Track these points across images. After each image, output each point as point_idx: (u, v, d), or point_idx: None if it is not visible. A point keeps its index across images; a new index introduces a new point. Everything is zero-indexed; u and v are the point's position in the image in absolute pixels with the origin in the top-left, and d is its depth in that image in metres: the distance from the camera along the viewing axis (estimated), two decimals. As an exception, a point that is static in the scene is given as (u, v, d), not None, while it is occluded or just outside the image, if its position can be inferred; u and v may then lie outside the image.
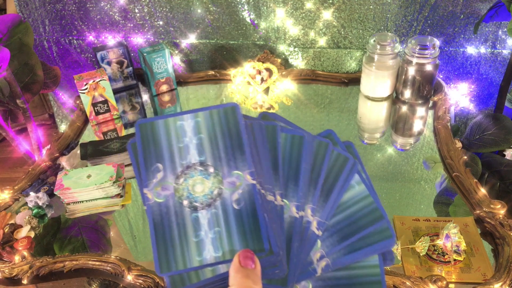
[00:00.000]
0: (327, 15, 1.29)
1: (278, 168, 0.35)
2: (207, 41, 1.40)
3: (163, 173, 0.34)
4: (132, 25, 1.40)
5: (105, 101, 1.19)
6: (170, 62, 1.28)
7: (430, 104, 1.20)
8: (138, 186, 0.36)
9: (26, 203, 0.93)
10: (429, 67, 1.13)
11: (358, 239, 0.34)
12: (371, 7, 1.25)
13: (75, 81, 1.14)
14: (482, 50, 1.26)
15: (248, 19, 1.34)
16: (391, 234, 0.34)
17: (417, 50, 1.11)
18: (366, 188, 0.37)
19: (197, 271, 0.33)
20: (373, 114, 1.25)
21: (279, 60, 1.36)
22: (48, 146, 1.10)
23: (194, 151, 0.34)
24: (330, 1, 1.26)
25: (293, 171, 0.35)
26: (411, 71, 1.14)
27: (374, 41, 1.15)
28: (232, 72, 1.36)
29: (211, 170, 0.34)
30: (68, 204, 0.93)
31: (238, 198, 0.33)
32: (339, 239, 0.34)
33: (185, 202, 0.34)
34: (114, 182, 0.90)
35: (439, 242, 0.78)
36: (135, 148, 0.35)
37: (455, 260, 0.77)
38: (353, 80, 1.33)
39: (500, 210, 0.83)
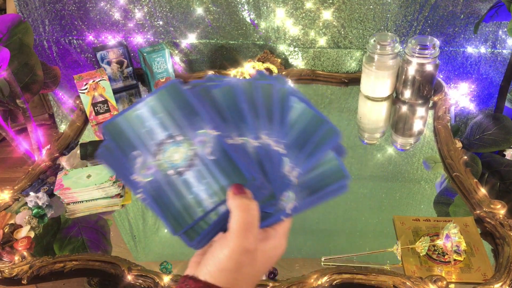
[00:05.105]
0: (327, 15, 1.29)
1: (225, 117, 0.41)
2: (207, 41, 1.40)
3: (142, 158, 0.39)
4: (132, 25, 1.39)
5: (105, 101, 1.19)
6: (170, 62, 1.28)
7: (430, 104, 1.20)
8: (123, 181, 0.40)
9: (26, 203, 0.93)
10: (429, 67, 1.13)
11: (313, 145, 0.41)
12: (371, 7, 1.25)
13: (75, 81, 1.14)
14: (482, 50, 1.26)
15: (248, 19, 1.34)
16: (335, 130, 0.41)
17: (417, 50, 1.11)
18: (304, 104, 0.42)
19: (204, 219, 0.39)
20: (373, 114, 1.25)
21: (279, 60, 1.36)
22: (48, 146, 1.10)
23: (159, 129, 0.40)
24: (330, 1, 1.26)
25: (238, 114, 0.41)
26: (411, 71, 1.14)
27: (374, 41, 1.15)
28: (232, 72, 1.36)
29: (180, 138, 0.39)
30: (68, 204, 0.92)
31: (211, 150, 0.38)
32: (299, 150, 0.41)
33: (170, 172, 0.39)
34: (114, 182, 0.90)
35: (439, 242, 0.78)
36: (108, 149, 0.40)
37: (455, 260, 0.77)
38: (353, 80, 1.32)
39: (500, 210, 0.83)
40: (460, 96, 1.35)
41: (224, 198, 0.38)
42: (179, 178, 0.39)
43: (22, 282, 0.78)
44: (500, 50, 1.25)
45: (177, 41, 1.41)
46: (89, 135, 1.20)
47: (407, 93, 1.19)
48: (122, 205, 0.94)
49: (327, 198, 0.42)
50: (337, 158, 0.43)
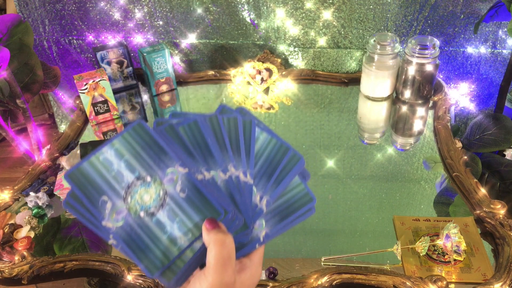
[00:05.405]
0: (327, 15, 1.29)
1: (193, 154, 0.41)
2: (207, 41, 1.40)
3: (111, 202, 0.39)
4: (132, 25, 1.39)
5: (105, 101, 1.19)
6: (170, 62, 1.28)
7: (430, 104, 1.20)
8: (93, 230, 0.40)
9: (26, 203, 0.93)
10: (429, 67, 1.13)
11: (280, 173, 0.43)
12: (371, 7, 1.25)
13: (75, 81, 1.14)
14: (482, 50, 1.26)
15: (248, 19, 1.34)
16: (299, 157, 0.43)
17: (417, 50, 1.11)
18: (267, 134, 0.44)
19: (180, 257, 0.38)
20: (373, 114, 1.25)
21: (279, 60, 1.36)
22: (48, 146, 1.10)
23: (126, 172, 0.39)
24: (330, 1, 1.26)
25: (205, 149, 0.42)
26: (411, 71, 1.14)
27: (374, 41, 1.15)
28: (232, 72, 1.36)
29: (148, 179, 0.39)
30: (68, 204, 0.92)
31: (181, 187, 0.39)
32: (267, 179, 0.43)
33: (142, 214, 0.39)
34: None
35: (439, 242, 0.78)
36: (75, 198, 0.40)
37: (455, 260, 0.77)
38: (353, 80, 1.32)
39: (500, 210, 0.83)
40: (460, 96, 1.35)
41: (198, 234, 0.38)
42: (152, 219, 0.39)
43: (22, 282, 0.78)
44: (500, 50, 1.25)
45: (177, 41, 1.41)
46: (89, 135, 1.20)
47: (407, 93, 1.19)
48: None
49: (297, 222, 0.44)
50: (302, 183, 0.45)
